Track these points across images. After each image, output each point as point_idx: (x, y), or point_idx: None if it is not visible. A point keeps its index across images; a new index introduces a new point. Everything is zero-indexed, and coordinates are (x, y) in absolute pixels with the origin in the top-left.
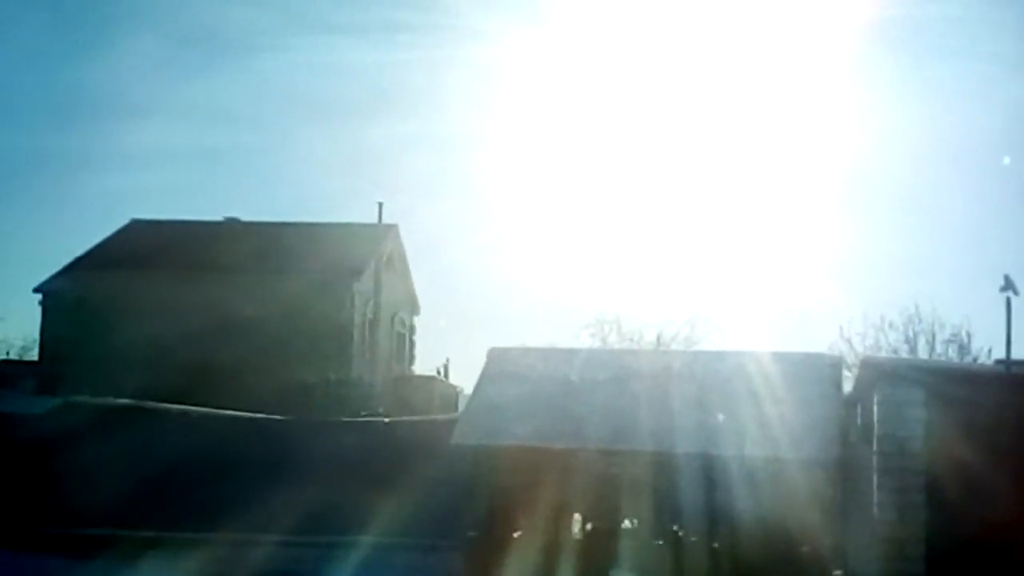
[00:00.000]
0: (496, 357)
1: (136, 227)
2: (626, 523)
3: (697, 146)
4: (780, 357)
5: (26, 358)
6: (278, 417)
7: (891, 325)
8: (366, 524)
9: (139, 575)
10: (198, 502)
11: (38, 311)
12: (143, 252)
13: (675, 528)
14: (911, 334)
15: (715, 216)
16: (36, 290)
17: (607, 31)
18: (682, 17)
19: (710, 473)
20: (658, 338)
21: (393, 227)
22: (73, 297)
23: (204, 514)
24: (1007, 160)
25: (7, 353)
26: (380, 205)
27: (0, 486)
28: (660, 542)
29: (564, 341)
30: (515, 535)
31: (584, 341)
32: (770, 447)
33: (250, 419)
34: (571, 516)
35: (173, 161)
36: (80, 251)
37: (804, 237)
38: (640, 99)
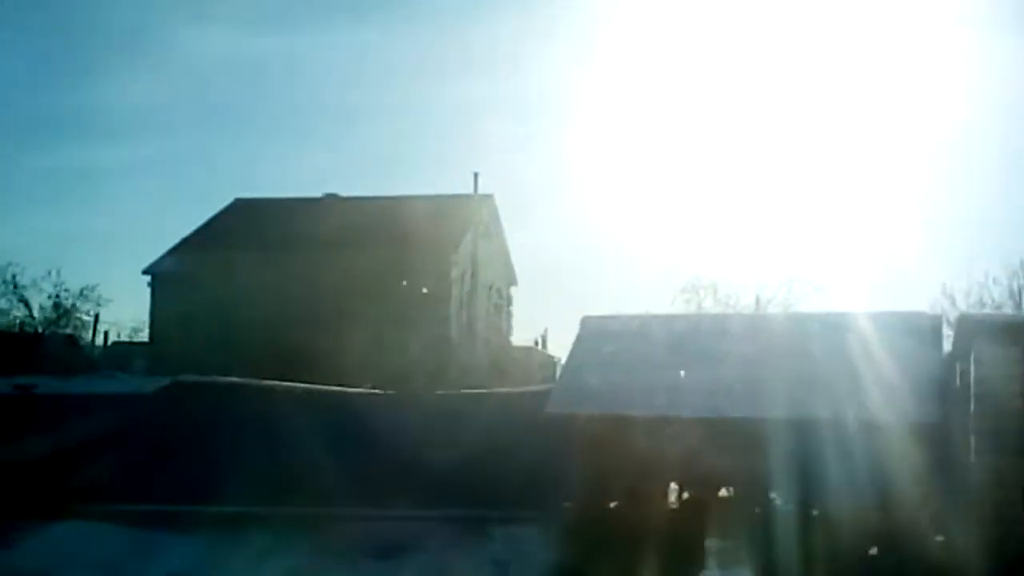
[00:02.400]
0: (589, 325)
1: (239, 206)
2: (722, 491)
3: (793, 106)
4: (879, 317)
5: (136, 339)
6: (378, 391)
7: (995, 280)
8: (464, 496)
9: (245, 551)
10: (302, 478)
11: (147, 292)
12: (246, 231)
13: (772, 496)
14: (1015, 288)
15: (812, 176)
16: (145, 272)
17: None
18: None
19: (807, 438)
20: (756, 301)
21: (488, 197)
22: (180, 277)
23: (307, 490)
24: None
25: (119, 334)
26: (476, 176)
27: (113, 465)
28: (757, 510)
29: (659, 307)
30: (610, 505)
31: (679, 307)
32: (869, 410)
33: (351, 394)
34: (667, 485)
35: (273, 139)
36: (186, 232)
37: (904, 195)
38: (737, 58)
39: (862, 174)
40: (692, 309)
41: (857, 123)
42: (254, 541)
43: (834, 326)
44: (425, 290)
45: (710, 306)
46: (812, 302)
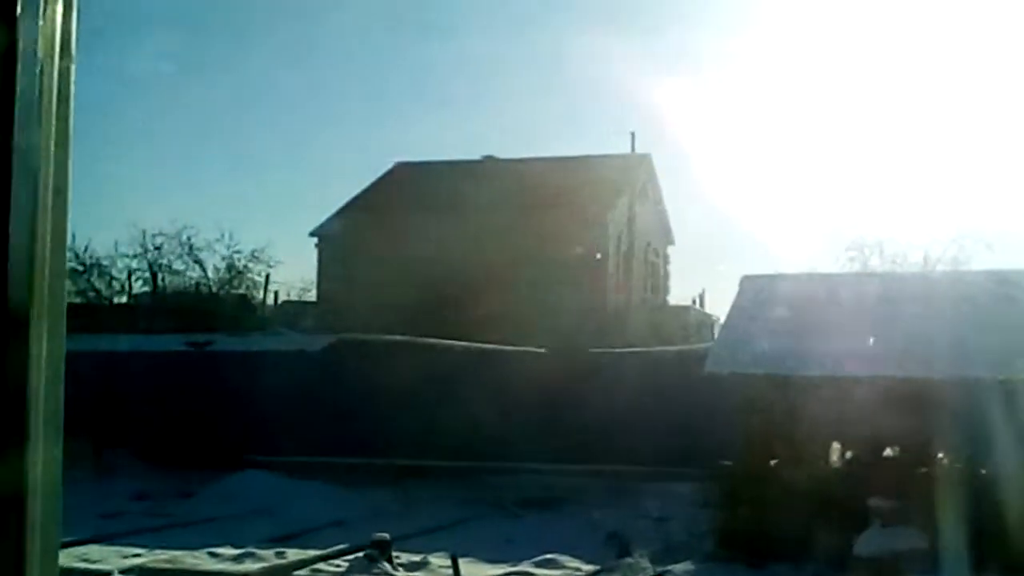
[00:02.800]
0: (749, 285)
1: (400, 170)
2: (887, 451)
3: (961, 58)
4: None
5: (305, 298)
6: (537, 350)
7: None
8: (620, 453)
9: (405, 501)
10: (462, 433)
11: (314, 254)
12: (407, 194)
13: (939, 456)
14: None
15: (984, 129)
16: (312, 234)
17: None
18: None
19: (979, 399)
20: (924, 259)
21: (646, 157)
22: (345, 240)
23: (466, 443)
24: None
25: (288, 294)
26: (632, 135)
27: (281, 418)
28: (923, 470)
29: (823, 267)
30: (770, 464)
31: (844, 266)
32: None
33: (508, 352)
34: (829, 444)
35: (432, 102)
36: (350, 195)
37: None
38: (900, 17)
39: None
40: (857, 268)
41: None
42: (414, 492)
43: (1008, 284)
44: (599, 255)
45: (876, 265)
46: (983, 260)
